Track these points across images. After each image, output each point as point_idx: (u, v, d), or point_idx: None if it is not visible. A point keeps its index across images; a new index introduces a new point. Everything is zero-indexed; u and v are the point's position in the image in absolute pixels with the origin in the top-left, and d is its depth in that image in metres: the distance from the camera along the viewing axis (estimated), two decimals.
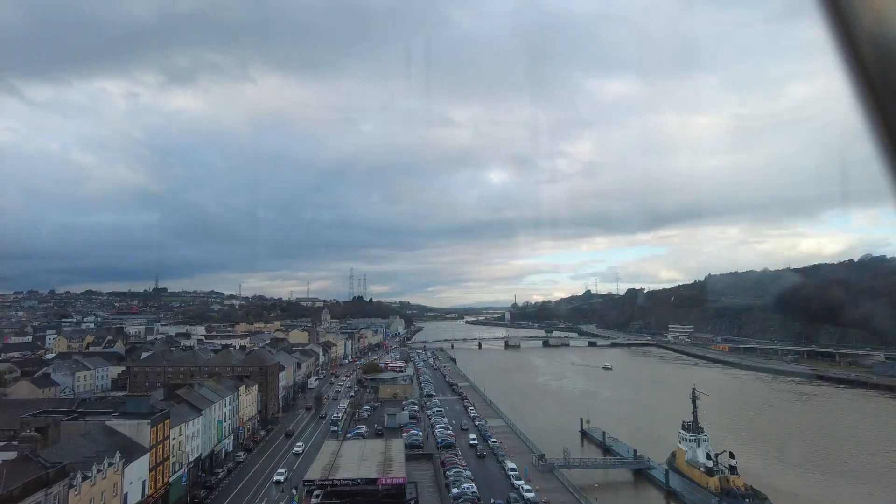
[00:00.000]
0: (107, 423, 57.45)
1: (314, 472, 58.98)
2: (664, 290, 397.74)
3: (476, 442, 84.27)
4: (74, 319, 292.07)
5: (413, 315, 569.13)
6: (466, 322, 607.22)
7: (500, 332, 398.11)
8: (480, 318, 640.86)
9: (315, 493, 57.27)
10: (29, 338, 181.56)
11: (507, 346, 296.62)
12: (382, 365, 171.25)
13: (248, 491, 65.57)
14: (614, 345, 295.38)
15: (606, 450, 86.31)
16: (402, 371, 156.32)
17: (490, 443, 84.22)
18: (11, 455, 43.43)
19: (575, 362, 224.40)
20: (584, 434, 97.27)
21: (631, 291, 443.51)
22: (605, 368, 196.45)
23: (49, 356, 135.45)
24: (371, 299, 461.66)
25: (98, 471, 48.55)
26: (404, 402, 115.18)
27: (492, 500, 59.51)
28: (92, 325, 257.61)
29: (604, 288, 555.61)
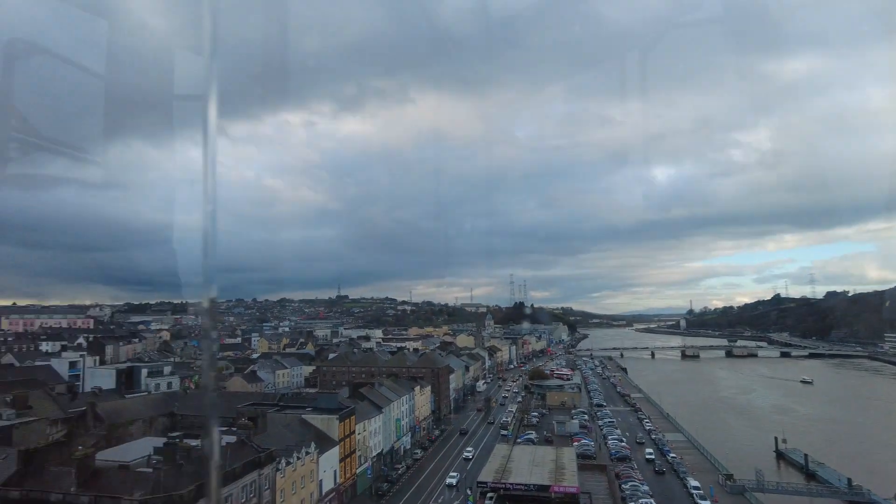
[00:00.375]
0: (302, 416, 63.95)
1: (487, 475, 60.07)
2: (875, 292, 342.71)
3: (653, 456, 79.52)
4: (272, 324, 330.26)
5: (577, 322, 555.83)
6: (636, 330, 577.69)
7: (676, 340, 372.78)
8: (652, 326, 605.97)
9: (489, 495, 58.32)
10: (239, 339, 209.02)
11: (683, 355, 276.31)
12: (548, 371, 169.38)
13: (425, 487, 68.74)
14: (812, 356, 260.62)
15: (810, 475, 76.05)
16: (568, 379, 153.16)
17: (669, 458, 78.92)
18: (231, 439, 50.23)
19: (764, 375, 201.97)
20: (780, 455, 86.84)
21: (831, 295, 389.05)
22: (804, 382, 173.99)
23: (254, 356, 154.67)
24: (532, 305, 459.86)
25: (298, 458, 54.33)
26: (573, 411, 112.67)
27: None
28: (287, 329, 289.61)
29: (796, 291, 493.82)
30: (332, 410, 65.44)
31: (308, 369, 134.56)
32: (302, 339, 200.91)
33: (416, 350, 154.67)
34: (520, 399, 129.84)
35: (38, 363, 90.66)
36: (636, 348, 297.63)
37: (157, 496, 39.29)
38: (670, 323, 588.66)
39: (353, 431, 67.55)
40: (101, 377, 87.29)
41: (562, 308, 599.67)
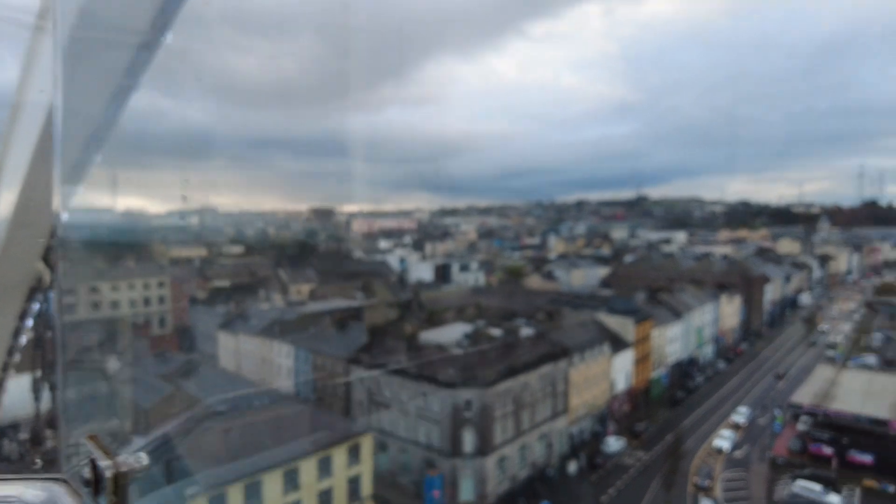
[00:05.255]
0: (597, 316, 65.02)
1: (803, 397, 53.05)
2: None
3: None
4: (569, 224, 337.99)
5: None
6: None
7: None
8: None
9: (802, 418, 51.73)
10: (538, 239, 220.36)
11: None
12: None
13: (725, 400, 64.38)
14: None
15: None
16: None
17: None
18: (529, 332, 54.19)
19: None
20: None
21: None
22: None
23: (551, 255, 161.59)
24: (890, 204, 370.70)
25: (591, 356, 55.99)
26: None
27: None
28: (583, 231, 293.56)
29: None
30: (628, 313, 64.93)
31: (603, 271, 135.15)
32: (598, 241, 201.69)
33: (725, 256, 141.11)
34: (858, 318, 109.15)
35: (377, 258, 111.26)
36: None
37: (466, 374, 45.15)
38: None
39: (649, 336, 66.22)
40: (421, 270, 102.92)
41: None
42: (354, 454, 35.90)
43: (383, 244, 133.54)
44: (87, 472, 2.54)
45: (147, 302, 64.49)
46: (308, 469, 33.25)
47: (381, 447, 45.15)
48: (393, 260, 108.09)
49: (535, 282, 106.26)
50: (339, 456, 34.66)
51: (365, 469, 36.47)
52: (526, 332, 54.83)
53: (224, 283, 79.02)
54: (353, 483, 35.52)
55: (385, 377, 47.49)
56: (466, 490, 41.21)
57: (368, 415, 47.67)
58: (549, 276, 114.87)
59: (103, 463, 2.42)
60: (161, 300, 62.55)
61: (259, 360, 57.40)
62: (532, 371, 49.56)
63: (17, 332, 5.46)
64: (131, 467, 2.43)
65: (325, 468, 34.06)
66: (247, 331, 59.40)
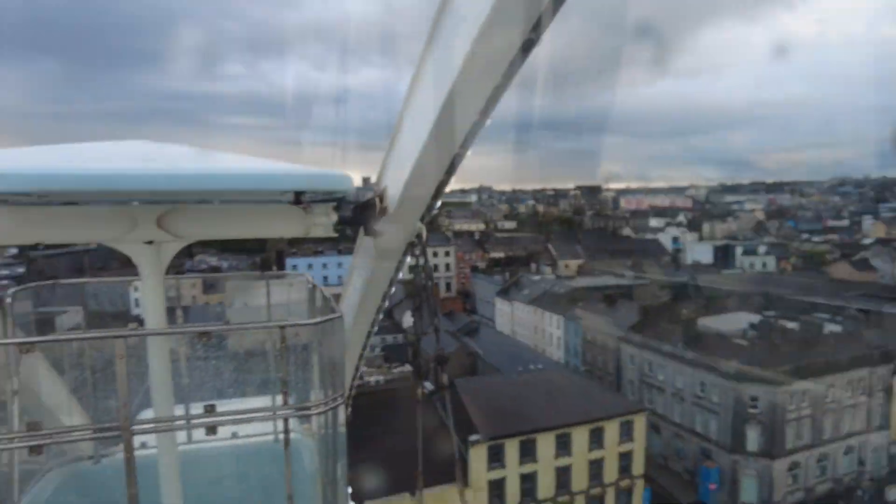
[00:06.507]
0: None
1: None
2: None
3: None
4: (893, 205, 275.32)
5: None
6: None
7: None
8: None
9: None
10: (846, 222, 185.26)
11: None
12: None
13: None
14: None
15: None
16: None
17: None
18: (836, 329, 46.32)
19: None
20: None
21: None
22: None
23: (866, 241, 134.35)
24: None
25: None
26: None
27: None
28: None
29: None
30: None
31: None
32: None
33: None
34: None
35: (647, 237, 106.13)
36: None
37: (752, 368, 40.66)
38: None
39: None
40: (698, 252, 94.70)
41: None
42: (626, 431, 35.27)
43: (654, 222, 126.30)
44: None
45: (434, 268, 73.17)
46: (579, 437, 33.82)
47: (653, 429, 43.53)
48: (665, 239, 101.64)
49: (842, 270, 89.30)
50: (611, 430, 34.43)
51: (637, 447, 35.60)
52: (831, 328, 46.79)
53: (500, 254, 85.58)
54: (625, 459, 34.99)
55: (658, 359, 45.42)
56: (749, 490, 37.27)
57: (640, 395, 46.27)
58: (864, 264, 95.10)
59: None
60: (447, 267, 70.99)
61: (532, 327, 60.15)
62: (839, 374, 42.25)
63: (391, 282, 6.55)
64: None
65: (596, 439, 34.24)
66: (520, 299, 62.63)
